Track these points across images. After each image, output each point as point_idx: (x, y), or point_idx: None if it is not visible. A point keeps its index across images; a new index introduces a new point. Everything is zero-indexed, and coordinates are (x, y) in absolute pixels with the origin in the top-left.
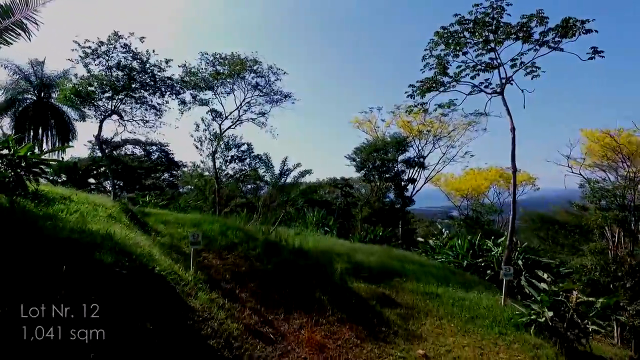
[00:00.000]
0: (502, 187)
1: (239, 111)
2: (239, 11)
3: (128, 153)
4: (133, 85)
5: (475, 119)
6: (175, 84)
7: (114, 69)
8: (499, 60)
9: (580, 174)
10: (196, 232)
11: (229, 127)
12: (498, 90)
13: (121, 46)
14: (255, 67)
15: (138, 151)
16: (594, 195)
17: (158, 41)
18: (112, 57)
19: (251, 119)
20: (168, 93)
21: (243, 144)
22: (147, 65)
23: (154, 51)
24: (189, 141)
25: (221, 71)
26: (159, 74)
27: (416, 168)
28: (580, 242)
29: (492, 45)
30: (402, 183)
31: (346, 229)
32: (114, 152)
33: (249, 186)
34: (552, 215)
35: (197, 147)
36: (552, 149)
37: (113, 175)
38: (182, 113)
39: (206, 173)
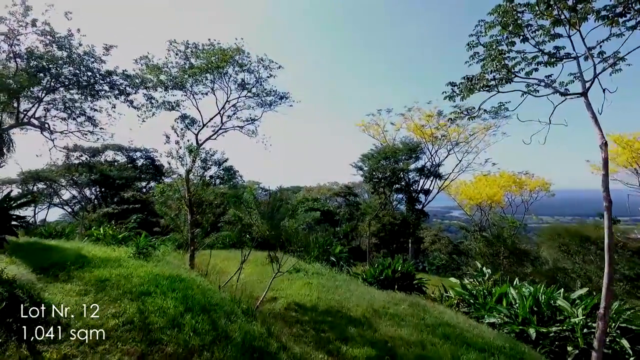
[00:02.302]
0: (515, 193)
1: (221, 117)
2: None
3: (109, 160)
4: (46, 84)
5: (496, 122)
6: (122, 81)
7: (20, 59)
8: (578, 50)
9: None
10: None
11: (209, 138)
12: (571, 89)
13: (32, 25)
14: (239, 59)
15: (120, 158)
16: None
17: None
18: (18, 41)
19: (238, 126)
20: (114, 94)
21: (226, 160)
22: (74, 54)
23: (78, 30)
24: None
25: (196, 65)
26: (94, 66)
27: (431, 178)
28: (621, 263)
29: (567, 27)
30: (414, 194)
31: (355, 250)
32: (91, 160)
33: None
34: (579, 229)
35: (160, 170)
36: (561, 149)
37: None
38: (144, 121)
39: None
